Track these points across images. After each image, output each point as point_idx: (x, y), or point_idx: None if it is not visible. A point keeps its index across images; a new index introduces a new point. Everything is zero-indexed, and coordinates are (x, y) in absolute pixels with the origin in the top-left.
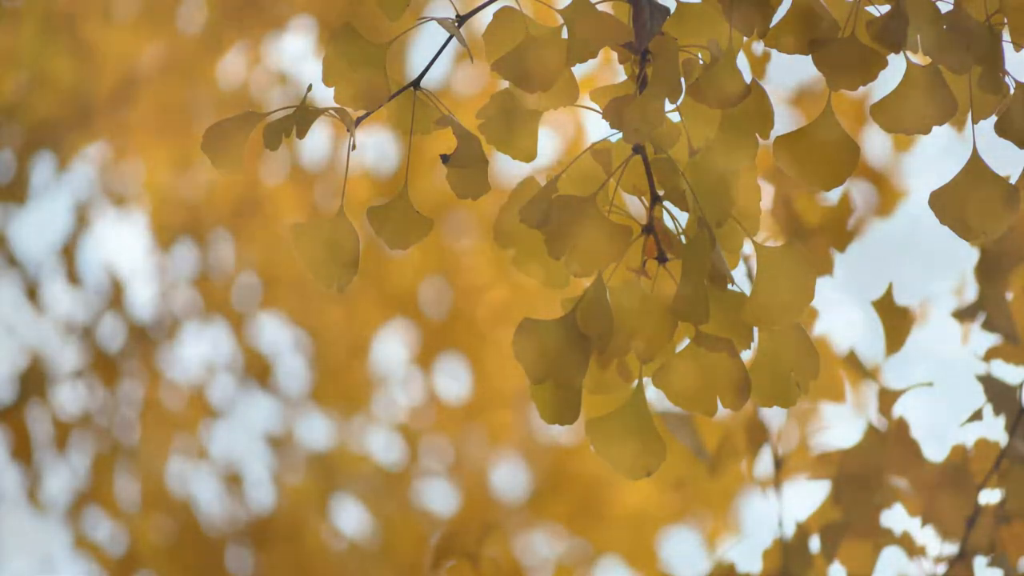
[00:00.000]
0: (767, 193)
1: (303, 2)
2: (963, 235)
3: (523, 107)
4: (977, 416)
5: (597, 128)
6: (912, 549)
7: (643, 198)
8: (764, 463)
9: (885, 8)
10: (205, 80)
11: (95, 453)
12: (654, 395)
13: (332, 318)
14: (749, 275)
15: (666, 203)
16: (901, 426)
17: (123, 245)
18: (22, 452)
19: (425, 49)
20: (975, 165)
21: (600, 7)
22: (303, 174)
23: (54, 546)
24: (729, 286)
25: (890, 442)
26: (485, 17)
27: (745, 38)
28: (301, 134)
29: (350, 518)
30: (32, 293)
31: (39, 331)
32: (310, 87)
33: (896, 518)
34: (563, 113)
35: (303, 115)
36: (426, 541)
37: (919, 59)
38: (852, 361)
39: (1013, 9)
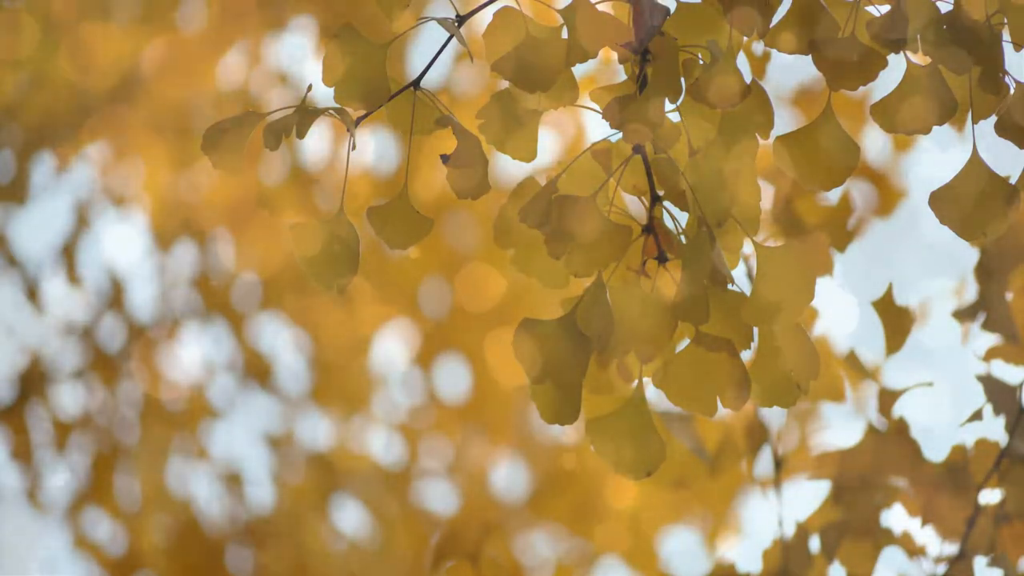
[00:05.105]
0: (767, 193)
1: (303, 2)
2: (963, 235)
3: (523, 107)
4: (977, 416)
5: (597, 128)
6: (912, 549)
7: (643, 198)
8: (764, 463)
9: (885, 8)
10: (205, 80)
11: (95, 453)
12: (654, 395)
13: (332, 318)
14: (749, 275)
15: (666, 203)
16: (901, 426)
17: (123, 245)
18: (22, 452)
19: (425, 49)
20: (975, 165)
21: (600, 7)
22: (303, 174)
23: (54, 546)
24: (729, 286)
25: (890, 442)
26: (485, 17)
27: (745, 38)
28: (301, 134)
29: (350, 518)
30: (32, 293)
31: (39, 331)
32: (310, 87)
33: (896, 518)
34: (563, 113)
35: (303, 115)
36: (426, 541)
37: (919, 59)
38: (852, 361)
39: (1013, 9)
